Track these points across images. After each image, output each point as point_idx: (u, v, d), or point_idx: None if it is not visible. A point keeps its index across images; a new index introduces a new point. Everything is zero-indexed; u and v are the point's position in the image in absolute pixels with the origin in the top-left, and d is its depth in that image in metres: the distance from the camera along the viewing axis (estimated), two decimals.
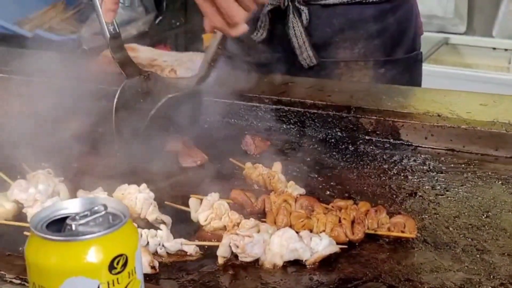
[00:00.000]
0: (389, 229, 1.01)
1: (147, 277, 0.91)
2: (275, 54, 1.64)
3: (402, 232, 1.00)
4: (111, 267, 0.61)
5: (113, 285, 0.62)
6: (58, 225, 0.64)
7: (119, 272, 0.62)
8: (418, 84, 1.74)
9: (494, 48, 3.49)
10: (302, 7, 1.56)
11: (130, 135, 1.25)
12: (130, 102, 1.26)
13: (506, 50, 3.47)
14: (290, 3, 1.55)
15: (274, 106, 1.43)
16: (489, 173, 1.22)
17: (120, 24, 2.03)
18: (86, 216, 0.63)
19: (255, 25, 1.59)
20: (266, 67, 1.62)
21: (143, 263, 0.90)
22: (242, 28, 1.13)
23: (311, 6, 1.56)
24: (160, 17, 2.67)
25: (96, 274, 0.61)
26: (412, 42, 1.70)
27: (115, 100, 1.24)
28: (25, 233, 1.00)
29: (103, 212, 0.63)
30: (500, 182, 1.19)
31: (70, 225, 0.63)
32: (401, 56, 1.67)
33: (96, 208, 0.63)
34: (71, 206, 0.66)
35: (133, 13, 2.57)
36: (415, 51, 1.72)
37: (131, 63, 1.27)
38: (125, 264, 0.62)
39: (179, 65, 1.66)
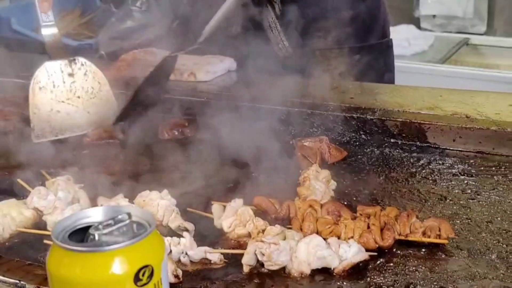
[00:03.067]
0: (424, 234, 0.97)
1: (170, 287, 0.89)
2: (250, 47, 1.63)
3: (438, 236, 0.96)
4: (136, 279, 0.59)
5: None
6: (80, 234, 0.62)
7: (145, 284, 0.59)
8: (392, 69, 1.81)
9: None
10: None
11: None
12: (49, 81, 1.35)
13: None
14: None
15: (297, 109, 1.40)
16: None
17: (137, 28, 2.01)
18: (109, 225, 0.60)
19: (229, 21, 1.59)
20: (244, 60, 1.61)
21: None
22: None
23: None
24: (177, 21, 2.65)
25: (121, 286, 0.58)
26: (382, 28, 1.77)
27: (33, 79, 1.34)
28: (45, 241, 0.98)
29: (127, 221, 0.60)
30: None
31: (94, 235, 0.60)
32: (374, 41, 1.74)
33: (120, 216, 0.61)
34: (94, 214, 0.63)
35: (150, 17, 2.55)
36: (386, 38, 1.79)
37: (61, 49, 1.38)
38: (151, 275, 0.60)
39: (198, 69, 1.64)
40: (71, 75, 1.37)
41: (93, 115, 1.39)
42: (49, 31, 1.35)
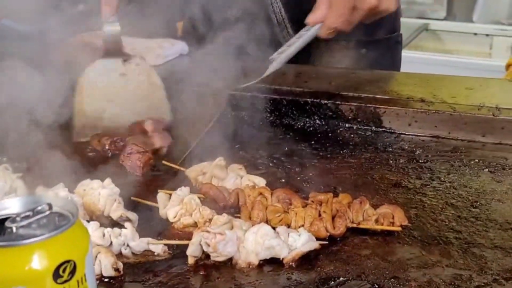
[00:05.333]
0: (377, 221, 0.93)
1: (110, 280, 0.84)
2: (251, 34, 1.58)
3: (392, 223, 0.93)
4: (56, 275, 0.54)
5: None
6: None
7: (66, 281, 0.54)
8: (398, 66, 1.72)
9: (475, 34, 3.44)
10: None
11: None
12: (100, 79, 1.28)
13: (487, 35, 3.43)
14: None
15: (249, 94, 1.35)
16: (477, 160, 1.16)
17: (90, 13, 1.94)
18: (28, 217, 0.55)
19: (228, 4, 1.53)
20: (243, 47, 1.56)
21: (105, 265, 0.84)
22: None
23: None
24: (132, 4, 2.58)
25: (39, 284, 0.53)
26: (392, 23, 1.67)
27: (84, 75, 1.27)
28: None
29: (47, 212, 0.55)
30: (488, 170, 1.12)
31: (10, 228, 0.55)
32: (382, 36, 1.64)
33: (39, 208, 0.55)
34: (12, 206, 0.58)
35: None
36: (396, 32, 1.69)
37: (119, 48, 1.30)
38: (73, 272, 0.54)
39: (148, 52, 1.58)
40: (123, 74, 1.29)
41: (142, 118, 1.29)
42: (111, 28, 1.27)
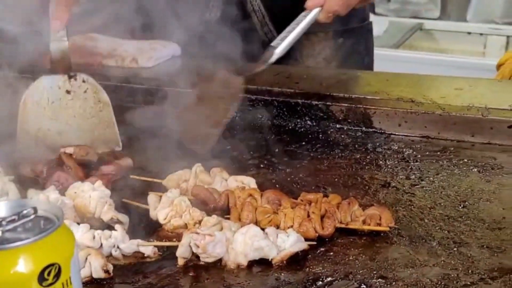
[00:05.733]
0: (364, 222, 0.94)
1: (100, 282, 0.85)
2: (231, 33, 1.59)
3: (379, 224, 0.93)
4: (41, 279, 0.54)
5: None
6: None
7: (51, 284, 0.55)
8: (371, 53, 1.78)
9: (469, 33, 3.45)
10: None
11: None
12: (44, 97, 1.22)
13: (481, 34, 3.44)
14: None
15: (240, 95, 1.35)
16: (466, 160, 1.16)
17: (83, 15, 1.94)
18: (13, 221, 0.56)
19: (206, 4, 1.53)
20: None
21: (95, 267, 0.84)
22: None
23: None
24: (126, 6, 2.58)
25: (25, 287, 0.54)
26: (363, 12, 1.73)
27: (26, 91, 1.21)
28: None
29: (32, 216, 0.56)
30: (477, 170, 1.13)
31: None
32: (356, 25, 1.70)
33: (25, 211, 0.56)
34: None
35: (97, 3, 2.49)
36: (366, 21, 1.76)
37: (65, 65, 1.23)
38: (58, 275, 0.55)
39: (140, 54, 1.58)
40: (68, 92, 1.23)
41: (89, 137, 1.25)
42: (58, 45, 1.21)
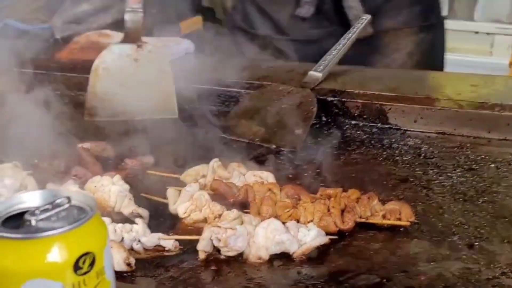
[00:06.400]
0: (384, 217, 0.94)
1: (122, 275, 0.85)
2: (324, 29, 1.61)
3: (398, 219, 0.93)
4: (76, 267, 0.54)
5: (79, 287, 0.55)
6: (16, 221, 0.57)
7: (85, 273, 0.55)
8: (445, 48, 1.83)
9: (476, 32, 3.44)
10: None
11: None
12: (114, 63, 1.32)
13: (488, 34, 3.43)
14: None
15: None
16: (483, 156, 1.16)
17: (93, 12, 1.94)
18: (47, 210, 0.56)
19: (297, 1, 1.58)
20: (315, 43, 1.60)
21: (117, 260, 0.84)
22: None
23: None
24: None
25: (59, 276, 0.54)
26: (438, 7, 1.78)
27: (98, 58, 1.31)
28: None
29: (66, 206, 0.56)
30: (494, 166, 1.13)
31: (29, 221, 0.55)
32: (435, 21, 1.74)
33: (58, 201, 0.56)
34: (31, 199, 0.59)
35: (108, 1, 2.49)
36: (442, 16, 1.82)
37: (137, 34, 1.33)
38: (92, 264, 0.55)
39: None
40: (136, 60, 1.32)
41: (150, 104, 1.32)
42: (132, 16, 1.31)
